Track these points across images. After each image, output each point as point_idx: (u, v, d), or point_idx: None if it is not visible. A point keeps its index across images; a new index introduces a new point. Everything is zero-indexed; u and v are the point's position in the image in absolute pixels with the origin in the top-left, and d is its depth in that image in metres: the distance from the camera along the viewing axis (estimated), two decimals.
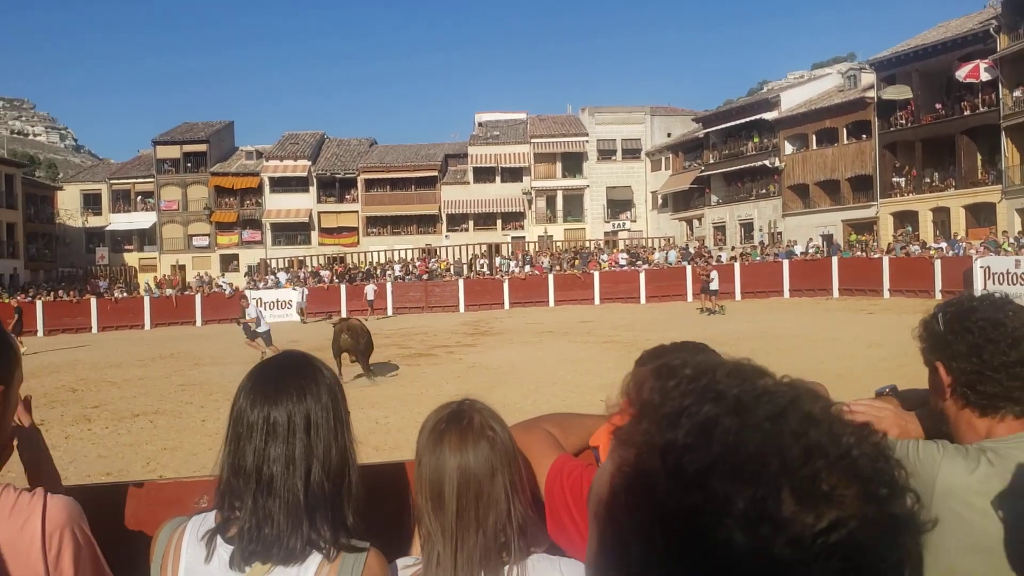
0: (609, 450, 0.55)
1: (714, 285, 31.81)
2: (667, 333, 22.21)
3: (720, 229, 50.16)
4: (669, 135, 56.23)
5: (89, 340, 32.36)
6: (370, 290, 38.62)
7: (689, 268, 39.10)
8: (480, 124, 59.84)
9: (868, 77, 43.22)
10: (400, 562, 1.55)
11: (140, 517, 1.85)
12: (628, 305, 36.49)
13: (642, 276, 39.11)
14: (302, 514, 1.41)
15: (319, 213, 55.36)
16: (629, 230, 54.40)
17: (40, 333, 35.48)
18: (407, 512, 1.72)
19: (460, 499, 1.43)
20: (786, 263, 37.69)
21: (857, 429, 0.56)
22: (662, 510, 0.53)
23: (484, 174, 55.26)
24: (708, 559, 0.51)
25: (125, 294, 42.65)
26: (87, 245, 57.33)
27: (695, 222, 52.55)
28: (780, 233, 45.46)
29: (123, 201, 57.45)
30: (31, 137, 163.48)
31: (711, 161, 50.74)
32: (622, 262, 42.48)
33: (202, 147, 55.93)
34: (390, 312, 39.12)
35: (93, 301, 38.94)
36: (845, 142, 43.28)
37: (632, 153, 56.25)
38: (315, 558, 1.42)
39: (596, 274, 39.75)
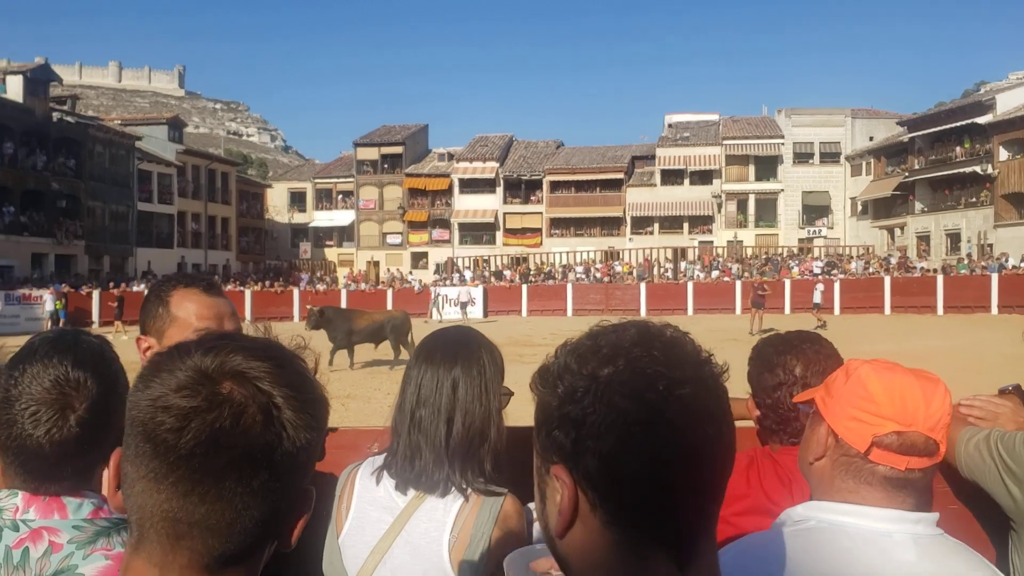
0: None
1: (817, 298, 31.05)
2: (859, 345, 21.03)
3: (924, 239, 47.06)
4: (871, 139, 53.34)
5: (291, 328, 34.45)
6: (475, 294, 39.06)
7: (888, 279, 37.04)
8: (670, 125, 59.00)
9: None
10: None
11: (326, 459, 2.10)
12: (820, 316, 34.91)
13: (836, 285, 37.35)
14: (443, 455, 1.71)
15: (504, 214, 56.47)
16: (825, 237, 52.09)
17: (248, 320, 38.15)
18: None
19: None
20: (995, 277, 34.92)
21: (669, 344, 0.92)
22: (577, 383, 0.88)
23: (672, 176, 54.46)
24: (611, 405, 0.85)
25: (324, 287, 45.21)
26: (292, 240, 61.24)
27: (897, 231, 49.58)
28: (991, 245, 42.06)
29: (325, 199, 60.95)
30: (244, 138, 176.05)
31: (916, 167, 47.65)
32: (816, 270, 40.75)
33: (398, 149, 58.41)
34: (569, 313, 39.32)
35: (295, 292, 41.52)
36: None
37: (831, 157, 53.80)
38: (457, 496, 1.71)
39: (787, 282, 38.29)
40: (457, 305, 38.39)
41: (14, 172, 39.92)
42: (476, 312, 39.26)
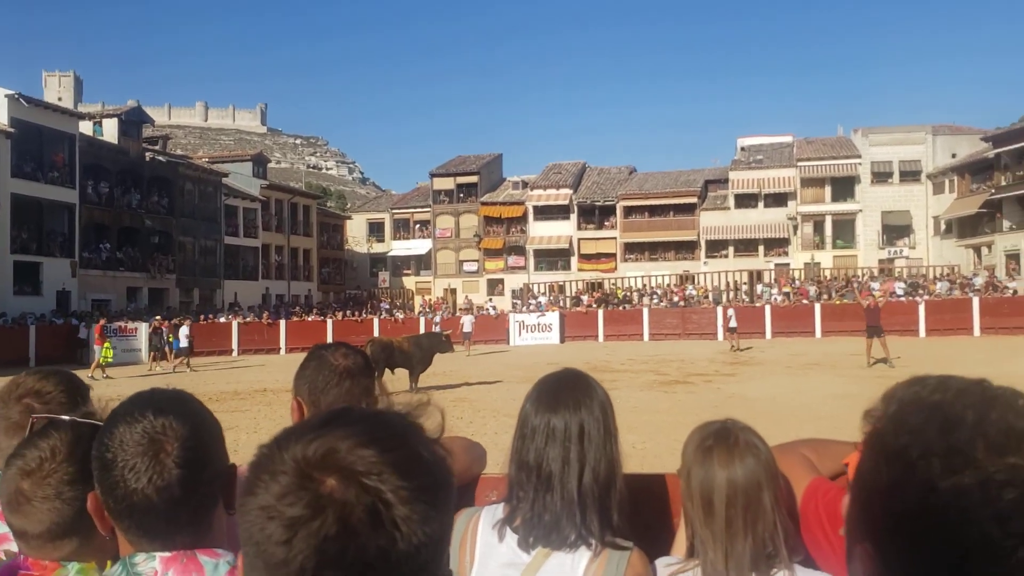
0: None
1: (732, 323, 30.37)
2: (955, 369, 20.41)
3: (1013, 257, 45.53)
4: (954, 156, 51.97)
5: None
6: (467, 321, 35.95)
7: (976, 300, 35.99)
8: (743, 148, 58.68)
9: None
10: (661, 561, 1.73)
11: None
12: (905, 338, 34.07)
13: (921, 308, 36.47)
14: (575, 509, 1.64)
15: (579, 240, 56.78)
16: (907, 258, 50.90)
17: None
18: (666, 518, 1.94)
19: (729, 509, 1.60)
20: None
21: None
22: (893, 461, 0.76)
23: (746, 199, 54.08)
24: (930, 489, 0.71)
25: (402, 315, 46.07)
26: (371, 269, 62.62)
27: (984, 249, 48.15)
28: None
29: (403, 229, 62.23)
30: (323, 171, 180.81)
31: (1003, 183, 46.27)
32: (899, 292, 39.88)
33: (473, 178, 59.36)
34: (646, 338, 39.19)
35: (375, 320, 42.40)
36: None
37: (911, 175, 52.65)
38: (585, 551, 1.64)
39: (866, 303, 37.48)
40: (549, 332, 38.99)
41: (111, 210, 41.91)
42: (553, 338, 39.54)
